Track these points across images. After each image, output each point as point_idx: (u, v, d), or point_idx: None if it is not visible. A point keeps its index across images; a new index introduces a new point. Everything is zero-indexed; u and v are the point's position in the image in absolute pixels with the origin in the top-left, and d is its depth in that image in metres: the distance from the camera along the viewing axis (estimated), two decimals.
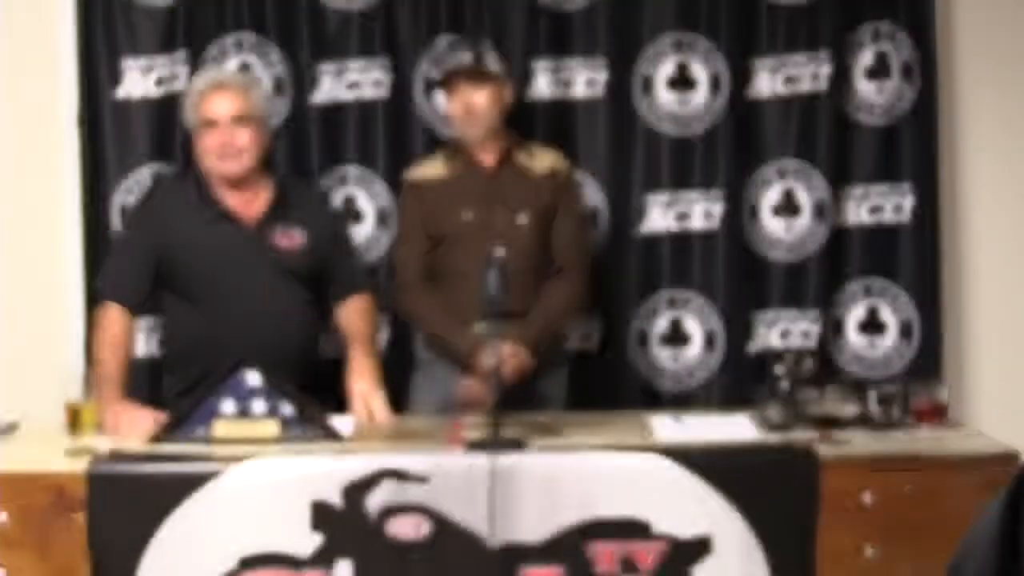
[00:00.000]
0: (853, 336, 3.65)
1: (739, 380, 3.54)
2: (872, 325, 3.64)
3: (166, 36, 3.49)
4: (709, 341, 3.61)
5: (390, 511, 2.42)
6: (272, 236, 3.11)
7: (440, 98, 3.53)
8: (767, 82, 3.60)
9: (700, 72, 3.59)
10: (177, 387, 3.14)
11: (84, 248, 3.49)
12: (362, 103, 3.54)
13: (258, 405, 2.64)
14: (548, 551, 2.45)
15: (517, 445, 2.52)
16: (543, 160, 3.29)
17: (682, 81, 3.59)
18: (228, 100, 3.06)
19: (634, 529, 2.45)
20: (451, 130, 3.48)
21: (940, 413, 2.77)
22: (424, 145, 3.55)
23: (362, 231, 3.56)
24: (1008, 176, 3.73)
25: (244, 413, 2.63)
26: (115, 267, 3.11)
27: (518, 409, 3.06)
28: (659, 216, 3.60)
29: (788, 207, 3.61)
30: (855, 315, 3.65)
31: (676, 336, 3.63)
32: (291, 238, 3.13)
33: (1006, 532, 1.29)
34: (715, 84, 3.57)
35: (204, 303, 3.08)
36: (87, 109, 3.48)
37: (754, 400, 2.77)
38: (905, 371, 3.58)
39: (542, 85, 3.56)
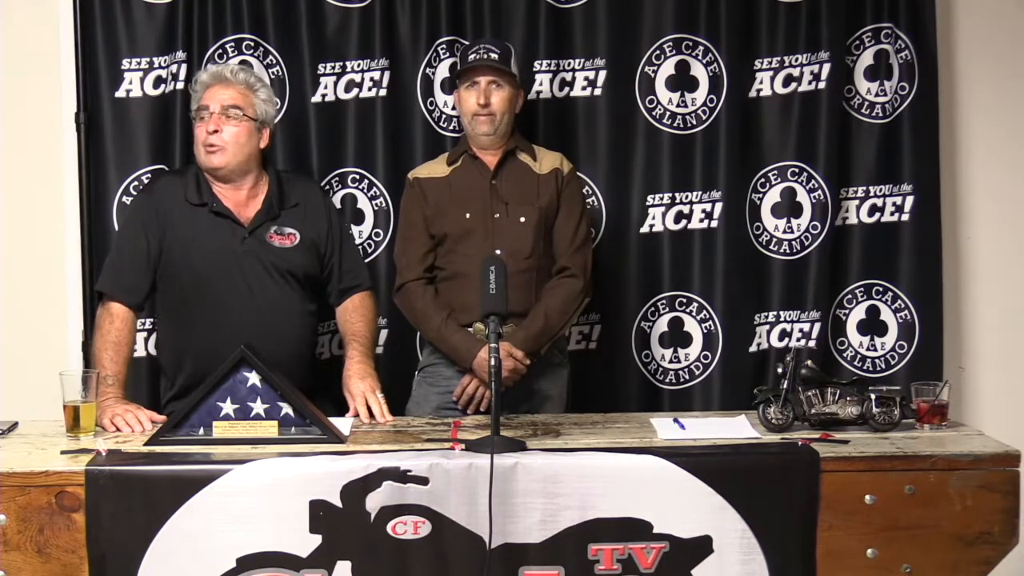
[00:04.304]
0: (853, 336, 3.66)
1: (739, 380, 3.55)
2: (872, 325, 3.64)
3: (166, 36, 3.49)
4: (709, 341, 3.61)
5: (390, 511, 2.42)
6: (268, 235, 3.10)
7: (440, 95, 3.54)
8: (767, 82, 3.60)
9: (700, 72, 3.59)
10: (173, 389, 3.15)
11: (84, 248, 3.49)
12: (362, 103, 3.55)
13: (257, 405, 2.64)
14: (548, 551, 2.45)
15: (517, 445, 2.52)
16: (546, 160, 3.29)
17: (682, 81, 3.59)
18: (224, 92, 3.06)
19: (634, 529, 2.45)
20: (456, 128, 3.49)
21: (940, 413, 2.77)
22: (424, 145, 3.55)
23: (362, 231, 3.56)
24: (1008, 176, 3.74)
25: (244, 413, 2.63)
26: (116, 264, 3.09)
27: (518, 409, 3.07)
28: (659, 216, 3.60)
29: (788, 207, 3.61)
30: (855, 315, 3.65)
31: (676, 336, 3.63)
32: (287, 236, 3.12)
33: None
34: (715, 84, 3.57)
35: (199, 303, 3.07)
36: (87, 109, 3.48)
37: (754, 400, 2.77)
38: (905, 371, 3.58)
39: (542, 85, 3.56)
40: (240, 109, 3.06)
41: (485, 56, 3.19)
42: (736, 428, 2.76)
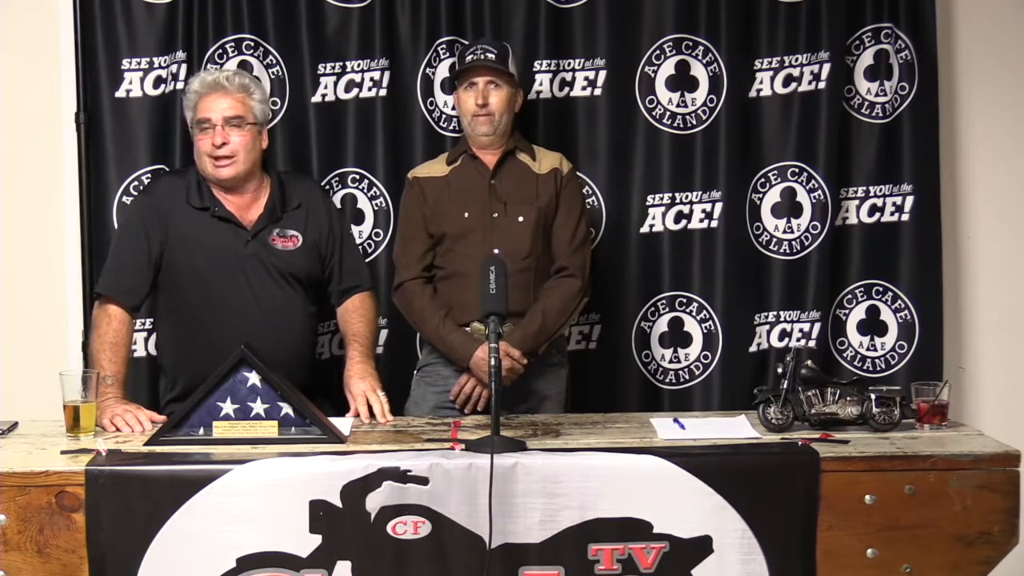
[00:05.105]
0: (853, 336, 3.65)
1: (739, 380, 3.55)
2: (872, 325, 3.64)
3: (166, 36, 3.49)
4: (709, 341, 3.61)
5: (390, 511, 2.42)
6: (271, 237, 3.10)
7: (440, 95, 3.54)
8: (767, 82, 3.60)
9: (700, 72, 3.58)
10: (173, 391, 3.14)
11: (84, 248, 3.49)
12: (362, 103, 3.55)
13: (257, 405, 2.64)
14: (548, 551, 2.45)
15: (517, 445, 2.52)
16: (545, 160, 3.29)
17: (682, 81, 3.59)
18: (223, 102, 3.05)
19: (634, 529, 2.45)
20: (456, 128, 3.49)
21: (940, 413, 2.77)
22: (424, 145, 3.55)
23: (362, 231, 3.56)
24: (1008, 176, 3.74)
25: (244, 413, 2.63)
26: (116, 266, 3.08)
27: (515, 409, 3.07)
28: (659, 216, 3.60)
29: (788, 207, 3.61)
30: (855, 315, 3.65)
31: (676, 336, 3.63)
32: (290, 239, 3.12)
33: None
34: (715, 84, 3.57)
35: (201, 305, 3.07)
36: (87, 109, 3.48)
37: (754, 400, 2.77)
38: (905, 371, 3.58)
39: (542, 85, 3.56)
40: (242, 118, 3.05)
41: (482, 56, 3.20)
42: (736, 428, 2.76)
